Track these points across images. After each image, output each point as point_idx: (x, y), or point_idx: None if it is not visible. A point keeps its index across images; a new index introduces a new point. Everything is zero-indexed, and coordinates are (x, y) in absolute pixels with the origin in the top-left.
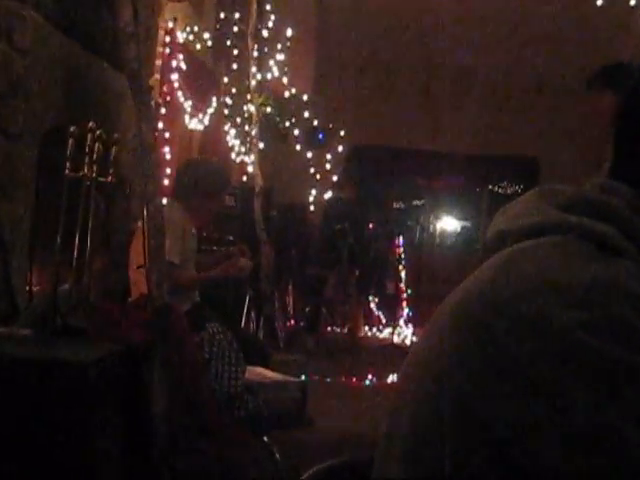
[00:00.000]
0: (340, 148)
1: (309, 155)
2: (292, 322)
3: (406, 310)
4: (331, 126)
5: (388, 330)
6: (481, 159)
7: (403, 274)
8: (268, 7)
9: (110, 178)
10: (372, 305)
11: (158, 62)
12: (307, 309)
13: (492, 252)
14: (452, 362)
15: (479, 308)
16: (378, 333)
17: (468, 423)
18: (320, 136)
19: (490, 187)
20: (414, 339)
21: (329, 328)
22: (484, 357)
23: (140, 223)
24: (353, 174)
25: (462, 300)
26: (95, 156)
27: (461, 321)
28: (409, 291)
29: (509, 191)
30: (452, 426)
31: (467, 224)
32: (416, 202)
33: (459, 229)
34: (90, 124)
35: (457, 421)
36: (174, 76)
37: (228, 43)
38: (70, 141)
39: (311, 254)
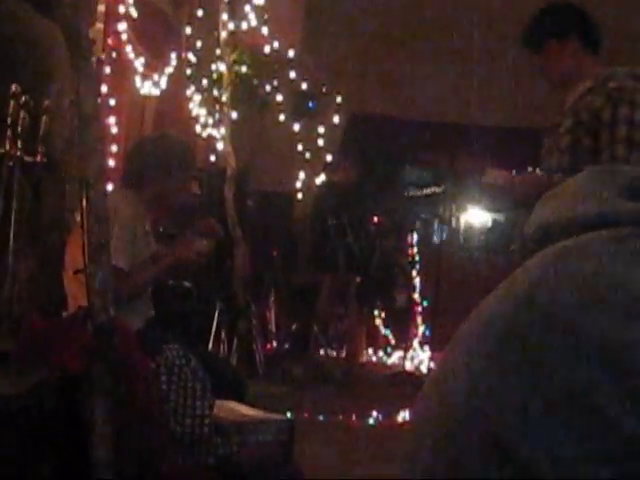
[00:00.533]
0: (336, 119)
1: (296, 128)
2: (274, 343)
3: (421, 328)
4: (324, 90)
5: (398, 354)
6: (520, 133)
7: (417, 282)
8: None
9: (39, 157)
10: (377, 322)
11: (101, 7)
12: (293, 327)
13: (533, 252)
14: (482, 392)
15: (518, 322)
16: (385, 358)
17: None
18: (310, 104)
19: (531, 169)
20: (432, 366)
21: (322, 351)
22: (525, 385)
23: (78, 216)
24: (353, 153)
25: (495, 312)
26: (19, 129)
27: (492, 340)
28: (425, 304)
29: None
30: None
31: (500, 217)
32: (434, 189)
33: (490, 224)
34: (13, 88)
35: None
36: (122, 26)
37: None
38: None
39: (299, 256)
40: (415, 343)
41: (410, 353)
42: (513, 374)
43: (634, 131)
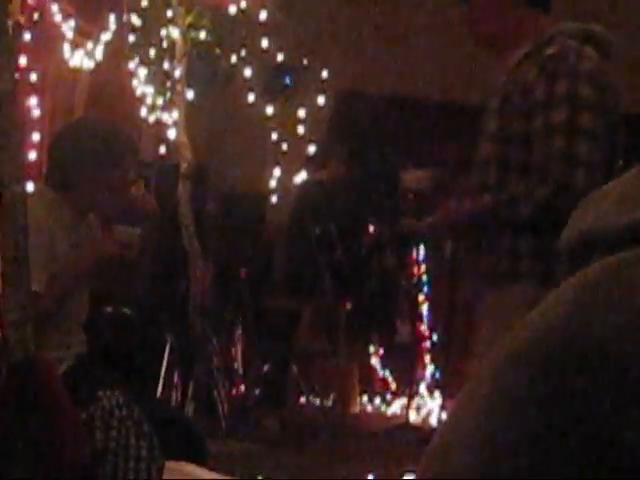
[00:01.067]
0: (321, 100)
1: (269, 111)
2: (241, 388)
3: (430, 369)
4: (306, 63)
5: (400, 402)
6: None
7: (425, 309)
8: None
9: None
10: (374, 361)
11: None
12: (266, 367)
13: (571, 268)
14: (507, 440)
15: (550, 356)
16: (384, 407)
17: None
18: (287, 80)
19: None
20: (443, 416)
21: (302, 398)
22: (553, 434)
23: None
24: (343, 143)
25: (524, 344)
26: None
27: (522, 377)
28: (435, 337)
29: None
30: None
31: None
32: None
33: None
34: None
35: None
36: None
37: None
38: None
39: (273, 277)
40: (422, 388)
41: (415, 401)
42: (539, 435)
43: (578, 114)
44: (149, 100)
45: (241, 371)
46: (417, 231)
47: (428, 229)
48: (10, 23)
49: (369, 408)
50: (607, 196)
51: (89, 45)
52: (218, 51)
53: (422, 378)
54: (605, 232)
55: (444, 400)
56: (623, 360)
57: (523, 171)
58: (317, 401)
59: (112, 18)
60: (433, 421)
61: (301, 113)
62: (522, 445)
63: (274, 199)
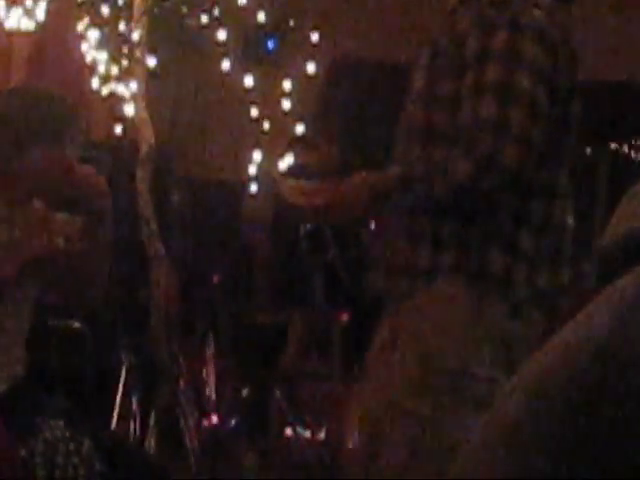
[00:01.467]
0: (310, 68)
1: (248, 82)
2: (214, 418)
3: None
4: (292, 24)
5: None
6: (596, 89)
7: None
8: None
9: None
10: None
11: None
12: (245, 392)
13: (615, 271)
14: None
15: (590, 384)
16: None
17: None
18: (270, 44)
19: (613, 147)
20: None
21: (288, 430)
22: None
23: None
24: (336, 119)
25: (558, 361)
26: None
27: (556, 397)
28: None
29: None
30: None
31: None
32: None
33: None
34: None
35: None
36: None
37: None
38: None
39: (253, 283)
40: None
41: None
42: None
43: (515, 73)
44: (102, 68)
45: (214, 397)
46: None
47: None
48: None
49: None
50: None
51: (28, 2)
52: (185, 9)
53: None
54: None
55: None
56: None
57: (451, 141)
58: (307, 433)
59: None
60: None
61: (286, 85)
62: (558, 452)
63: (253, 188)
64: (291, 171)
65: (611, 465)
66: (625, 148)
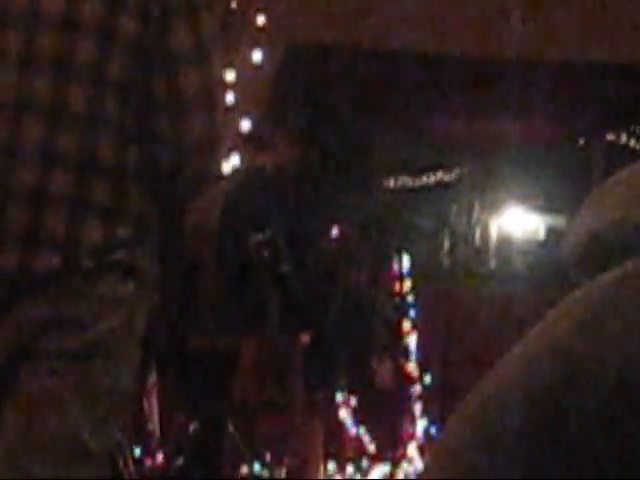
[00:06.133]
0: (257, 55)
1: None
2: (158, 457)
3: (421, 423)
4: (234, 5)
5: (382, 469)
6: (588, 74)
7: (412, 341)
8: None
9: None
10: (343, 414)
11: None
12: (192, 426)
13: (578, 278)
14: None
15: (550, 387)
16: (359, 476)
17: None
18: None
19: (610, 136)
20: None
21: (244, 469)
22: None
23: None
24: (292, 115)
25: (517, 384)
26: None
27: (517, 409)
28: (427, 380)
29: None
30: None
31: (559, 221)
32: (441, 175)
33: (543, 233)
34: None
35: None
36: None
37: None
38: None
39: (199, 302)
40: (411, 448)
41: (403, 467)
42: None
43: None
44: None
45: (157, 432)
46: None
47: None
48: None
49: (337, 478)
50: (617, 191)
51: None
52: None
53: (411, 436)
54: (619, 235)
55: None
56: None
57: None
58: (265, 472)
59: None
60: None
61: (229, 75)
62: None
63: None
64: (238, 174)
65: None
66: (623, 137)
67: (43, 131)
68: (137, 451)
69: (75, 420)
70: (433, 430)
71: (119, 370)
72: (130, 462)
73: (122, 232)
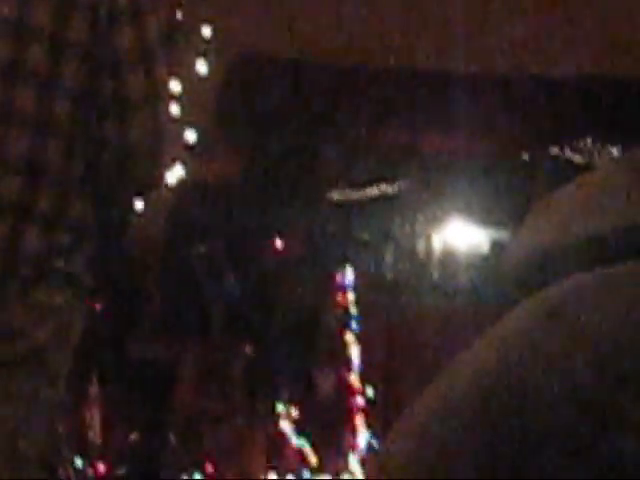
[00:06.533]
0: (201, 67)
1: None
2: (100, 467)
3: (364, 435)
4: (180, 17)
5: None
6: (531, 87)
7: (355, 354)
8: None
9: None
10: (284, 425)
11: None
12: (132, 437)
13: (524, 292)
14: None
15: (498, 401)
16: None
17: None
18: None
19: (554, 151)
20: None
21: (184, 478)
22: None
23: None
24: (235, 127)
25: (464, 389)
26: None
27: (459, 429)
28: (370, 392)
29: (591, 158)
30: None
31: (503, 234)
32: (384, 187)
33: (486, 247)
34: None
35: None
36: None
37: None
38: None
39: (142, 311)
40: (352, 460)
41: (345, 478)
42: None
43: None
44: None
45: (98, 442)
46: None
47: None
48: None
49: None
50: (559, 208)
51: None
52: None
53: (353, 447)
54: (571, 244)
55: None
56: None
57: None
58: None
59: None
60: None
61: (174, 86)
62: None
63: (138, 206)
64: (182, 186)
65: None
66: (568, 152)
67: None
68: (78, 461)
69: (7, 424)
70: (375, 442)
71: (51, 378)
72: (71, 472)
73: (61, 239)
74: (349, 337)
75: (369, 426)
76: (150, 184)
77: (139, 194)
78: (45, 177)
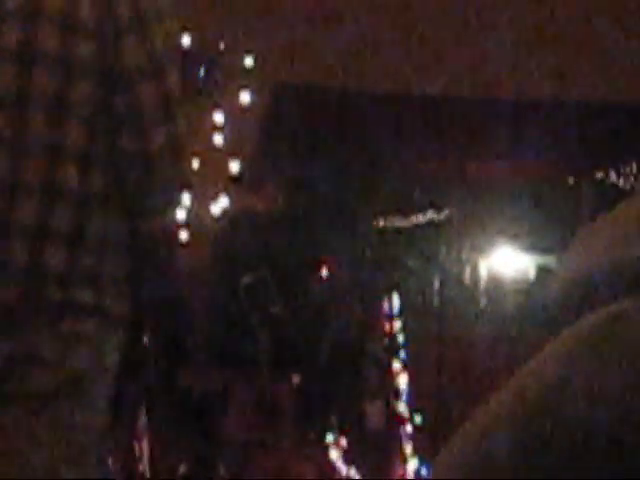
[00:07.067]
0: (245, 96)
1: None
2: None
3: (413, 463)
4: (222, 47)
5: None
6: (576, 111)
7: (403, 383)
8: None
9: None
10: (334, 454)
11: None
12: (182, 468)
13: (565, 319)
14: None
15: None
16: None
17: None
18: (202, 71)
19: (599, 175)
20: None
21: None
22: None
23: None
24: (280, 157)
25: (503, 419)
26: None
27: (501, 445)
28: (418, 420)
29: (637, 182)
30: None
31: (550, 261)
32: (431, 214)
33: (533, 273)
34: None
35: None
36: None
37: None
38: None
39: (189, 342)
40: None
41: None
42: None
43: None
44: None
45: (148, 474)
46: None
47: None
48: None
49: None
50: (603, 233)
51: None
52: None
53: (402, 476)
54: (611, 274)
55: None
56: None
57: None
58: None
59: None
60: None
61: (218, 117)
62: None
63: (183, 236)
64: (227, 216)
65: None
66: (613, 176)
67: (6, 162)
68: None
69: (51, 455)
70: (424, 470)
71: (91, 408)
72: None
73: (86, 261)
74: (396, 365)
75: (417, 454)
76: (174, 189)
77: (165, 200)
78: (62, 197)
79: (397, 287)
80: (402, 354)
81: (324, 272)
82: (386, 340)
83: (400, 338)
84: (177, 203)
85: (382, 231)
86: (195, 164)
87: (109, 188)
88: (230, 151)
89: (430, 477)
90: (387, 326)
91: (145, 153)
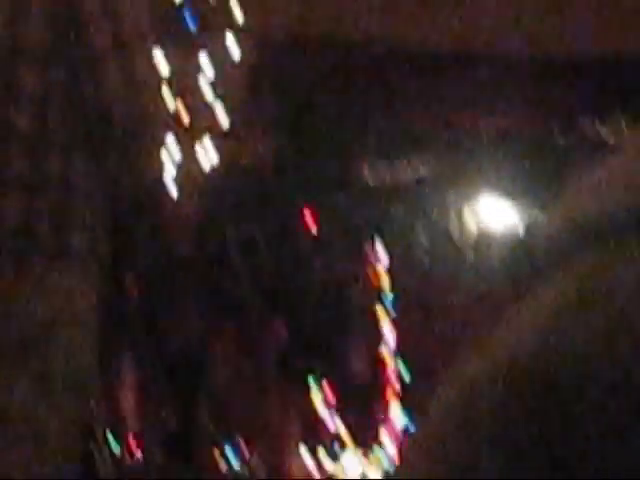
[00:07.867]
0: (234, 51)
1: (164, 70)
2: (134, 448)
3: (396, 411)
4: (212, 0)
5: (354, 456)
6: (565, 67)
7: (388, 331)
8: None
9: None
10: (317, 400)
11: None
12: (165, 414)
13: (555, 264)
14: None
15: (528, 380)
16: (330, 462)
17: None
18: (188, 21)
19: (586, 129)
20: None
21: (218, 454)
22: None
23: None
24: (269, 112)
25: (494, 365)
26: None
27: (493, 404)
28: (403, 370)
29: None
30: None
31: (537, 215)
32: (417, 167)
33: (520, 227)
34: None
35: None
36: None
37: None
38: None
39: (175, 292)
40: (384, 437)
41: (376, 454)
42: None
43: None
44: None
45: (133, 422)
46: None
47: None
48: None
49: (310, 464)
50: (591, 184)
51: None
52: None
53: (385, 422)
54: (605, 217)
55: None
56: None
57: None
58: (239, 458)
59: None
60: None
61: (208, 72)
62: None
63: (173, 192)
64: (215, 171)
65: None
66: (601, 130)
67: None
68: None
69: (30, 401)
70: (407, 419)
71: (69, 354)
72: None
73: (41, 203)
74: (383, 314)
75: (401, 403)
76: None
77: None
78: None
79: (382, 235)
80: (388, 304)
81: (310, 225)
82: (374, 290)
83: (387, 288)
84: (159, 143)
85: (371, 187)
86: (185, 119)
87: (69, 132)
88: (220, 106)
89: (417, 431)
90: (374, 276)
91: (100, 93)
